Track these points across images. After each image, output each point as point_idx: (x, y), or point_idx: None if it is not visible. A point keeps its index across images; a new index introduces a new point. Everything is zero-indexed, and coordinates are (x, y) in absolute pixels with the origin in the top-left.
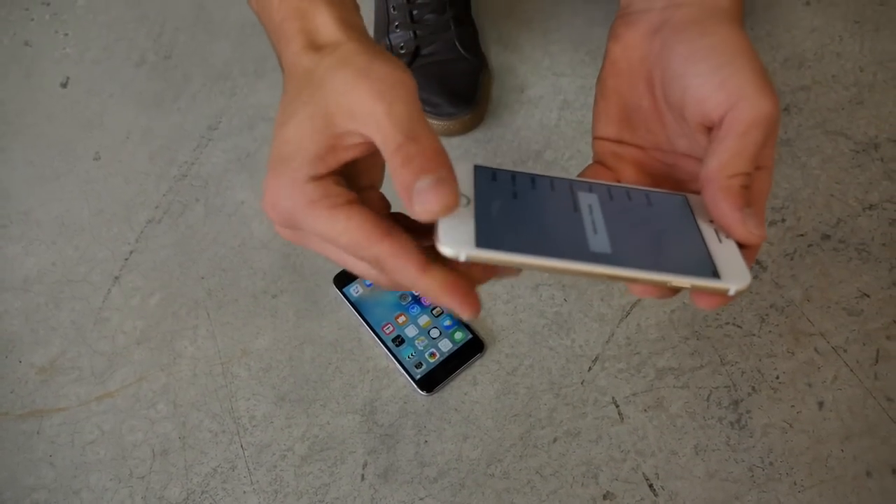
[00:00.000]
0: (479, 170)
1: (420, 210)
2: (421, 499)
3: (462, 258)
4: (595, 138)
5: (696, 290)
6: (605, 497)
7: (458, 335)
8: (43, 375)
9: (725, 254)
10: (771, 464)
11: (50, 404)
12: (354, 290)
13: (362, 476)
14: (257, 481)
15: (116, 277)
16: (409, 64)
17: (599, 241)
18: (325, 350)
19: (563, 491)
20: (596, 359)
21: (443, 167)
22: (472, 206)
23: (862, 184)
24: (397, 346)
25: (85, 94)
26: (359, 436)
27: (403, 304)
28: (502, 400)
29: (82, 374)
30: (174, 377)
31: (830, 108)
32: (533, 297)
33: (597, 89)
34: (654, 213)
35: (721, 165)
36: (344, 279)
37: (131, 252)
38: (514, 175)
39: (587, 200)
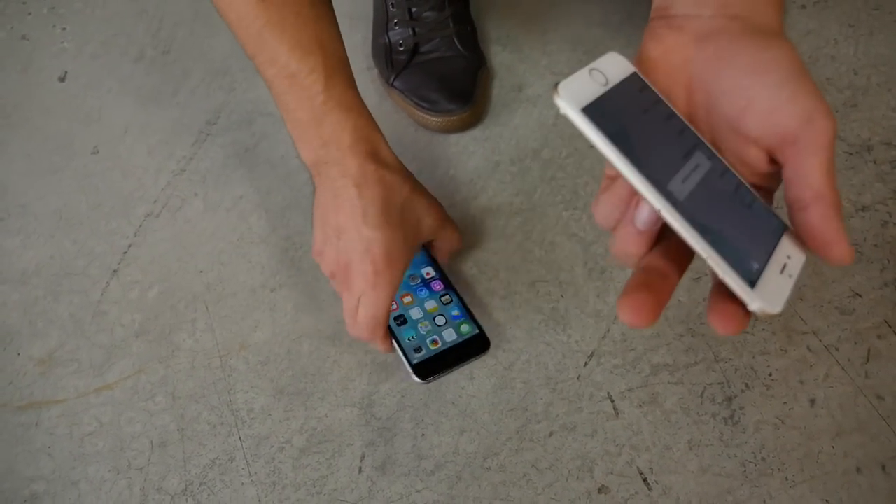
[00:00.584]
0: (634, 76)
1: None
2: (418, 491)
3: (561, 111)
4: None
5: (718, 294)
6: (599, 491)
7: (465, 328)
8: (41, 367)
9: (776, 281)
10: (763, 459)
11: (48, 396)
12: None
13: (360, 468)
14: (255, 473)
15: (115, 271)
16: (408, 61)
17: (680, 187)
18: (323, 344)
19: (558, 484)
20: (592, 354)
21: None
22: (607, 87)
23: (855, 185)
24: (399, 325)
25: (83, 88)
26: (356, 428)
27: (412, 284)
28: (499, 394)
29: (81, 366)
30: (172, 370)
31: None
32: (530, 293)
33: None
34: (746, 211)
35: (826, 180)
36: None
37: (130, 246)
38: (657, 100)
39: (699, 160)
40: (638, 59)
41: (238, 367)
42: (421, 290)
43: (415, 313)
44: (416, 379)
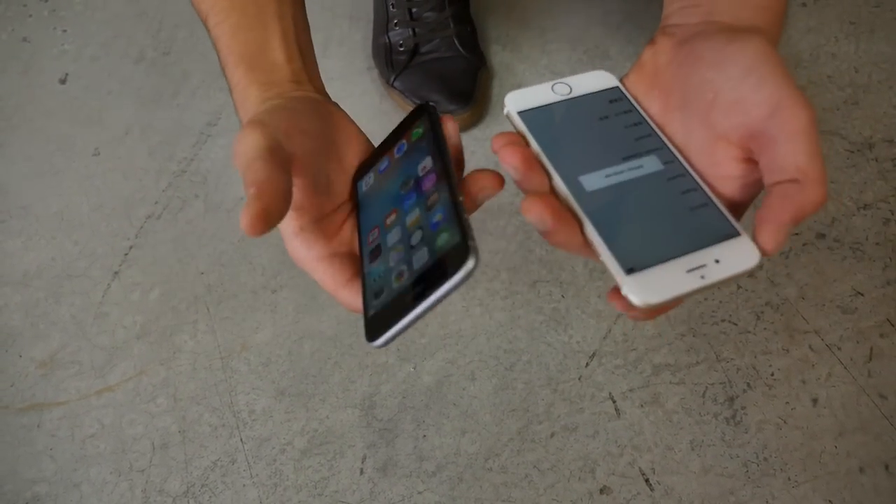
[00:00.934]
0: (614, 89)
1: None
2: (419, 492)
3: (505, 111)
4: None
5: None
6: (601, 491)
7: (443, 238)
8: (43, 369)
9: (670, 277)
10: (765, 459)
11: (50, 398)
12: (365, 182)
13: (361, 470)
14: (257, 475)
15: (116, 272)
16: (408, 61)
17: (595, 180)
18: (324, 345)
19: (560, 485)
20: (593, 355)
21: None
22: (562, 98)
23: (857, 183)
24: (371, 261)
25: (84, 90)
26: (358, 430)
27: (402, 192)
28: (500, 395)
29: (82, 368)
30: (174, 371)
31: (825, 109)
32: (531, 294)
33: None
34: (679, 213)
35: (804, 166)
36: (360, 169)
37: (131, 247)
38: (627, 110)
39: (647, 163)
40: (635, 64)
41: (239, 368)
42: (409, 198)
43: (392, 236)
44: (373, 343)
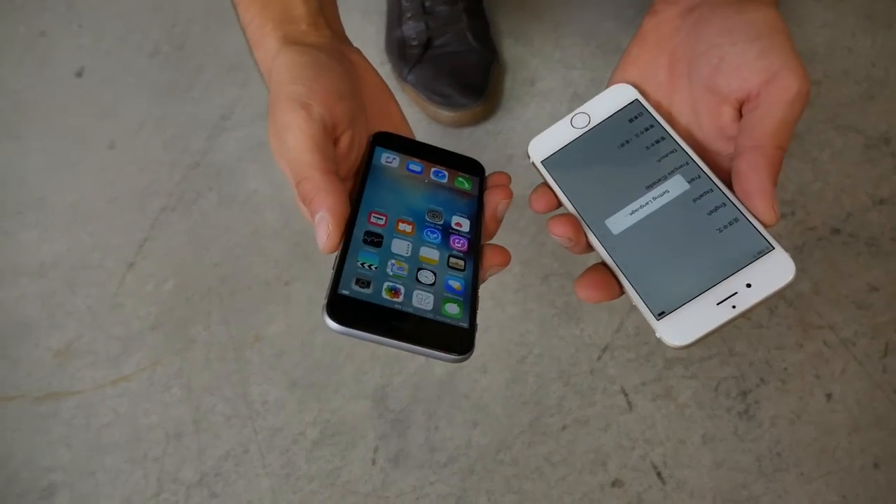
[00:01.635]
0: (634, 104)
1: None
2: (431, 483)
3: (530, 161)
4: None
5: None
6: (613, 484)
7: (453, 309)
8: (59, 359)
9: (701, 313)
10: (779, 454)
11: (66, 387)
12: (387, 158)
13: (373, 460)
14: (270, 465)
15: (131, 264)
16: (421, 55)
17: (622, 221)
18: (336, 336)
19: (571, 478)
20: (605, 348)
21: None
22: (583, 130)
23: (872, 178)
24: (365, 242)
25: (99, 83)
26: (370, 421)
27: (428, 219)
28: (512, 388)
29: (98, 357)
30: (188, 362)
31: (842, 103)
32: (543, 287)
33: (620, 58)
34: (708, 237)
35: (770, 132)
36: (386, 140)
37: (145, 239)
38: (648, 126)
39: (673, 186)
40: (636, 36)
41: (252, 359)
42: (431, 232)
43: (398, 247)
44: (327, 318)
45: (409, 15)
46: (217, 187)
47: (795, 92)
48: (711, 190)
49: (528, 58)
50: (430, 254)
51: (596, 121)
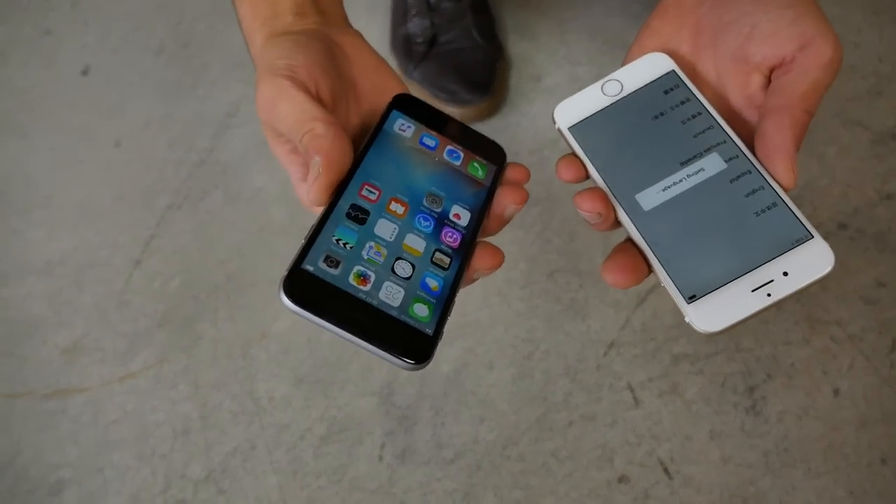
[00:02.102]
0: (670, 75)
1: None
2: (438, 479)
3: (556, 126)
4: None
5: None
6: (620, 480)
7: (421, 310)
8: (67, 356)
9: (734, 299)
10: (786, 450)
11: (74, 384)
12: (402, 125)
13: (380, 457)
14: (277, 461)
15: (138, 261)
16: (426, 52)
17: (653, 197)
18: None
19: (578, 474)
20: (611, 344)
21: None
22: (615, 98)
23: (880, 174)
24: (347, 216)
25: (105, 82)
26: (377, 417)
27: (425, 204)
28: (518, 384)
29: (105, 355)
30: (195, 359)
31: (849, 98)
32: (549, 283)
33: (638, 33)
34: (745, 220)
35: (801, 95)
36: (407, 104)
37: (152, 237)
38: (684, 99)
39: (709, 164)
40: (656, 9)
41: (259, 356)
42: (424, 218)
43: (383, 227)
44: (282, 294)
45: (413, 12)
46: (223, 185)
47: (829, 58)
48: (750, 171)
49: (534, 54)
50: (416, 243)
51: (629, 89)
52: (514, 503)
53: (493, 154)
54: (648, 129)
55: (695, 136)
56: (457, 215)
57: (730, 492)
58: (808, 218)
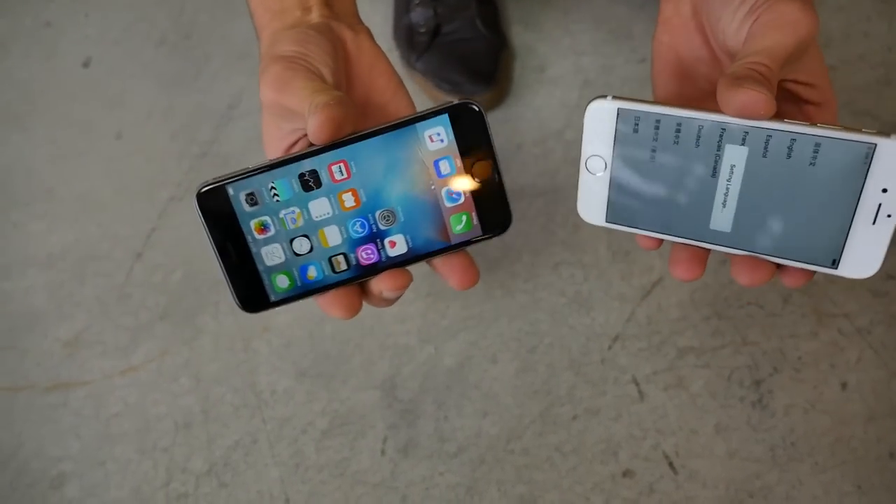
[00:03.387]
0: (621, 118)
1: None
2: (440, 473)
3: (595, 225)
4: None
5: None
6: (624, 474)
7: (282, 282)
8: (68, 349)
9: (866, 238)
10: (793, 444)
11: (75, 377)
12: (435, 134)
13: (382, 451)
14: (278, 454)
15: (139, 254)
16: (430, 42)
17: (723, 217)
18: (345, 327)
19: (582, 468)
20: (616, 337)
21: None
22: (608, 174)
23: None
24: (297, 176)
25: (106, 73)
26: (379, 411)
27: (374, 216)
28: (522, 377)
29: (106, 348)
30: (196, 352)
31: (857, 88)
32: (552, 276)
33: (653, 51)
34: (812, 174)
35: (758, 51)
36: (464, 113)
37: (153, 229)
38: (658, 122)
39: (733, 159)
40: (657, 23)
41: (261, 349)
42: (361, 223)
43: (319, 206)
44: (195, 195)
45: (417, 2)
46: None
47: (780, 19)
48: (771, 136)
49: (538, 44)
50: (332, 237)
51: (608, 155)
52: (517, 497)
53: (492, 220)
54: (657, 172)
55: (697, 146)
56: (392, 243)
57: (736, 486)
58: None
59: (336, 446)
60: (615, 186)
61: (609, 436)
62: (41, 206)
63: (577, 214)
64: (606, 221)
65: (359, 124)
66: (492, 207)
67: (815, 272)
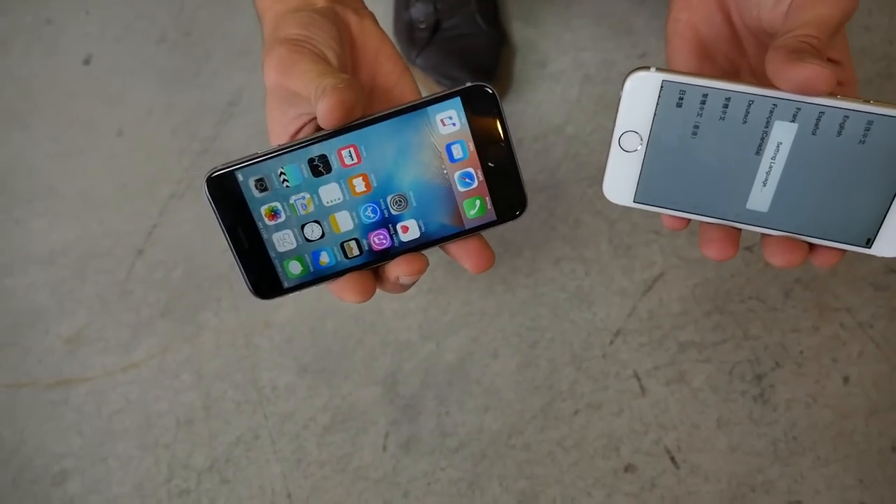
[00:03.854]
0: (665, 91)
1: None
2: (442, 469)
3: (619, 205)
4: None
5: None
6: (626, 469)
7: (294, 267)
8: (69, 346)
9: None
10: (794, 438)
11: (77, 374)
12: (447, 117)
13: (384, 446)
14: (280, 450)
15: (140, 251)
16: (430, 38)
17: (762, 197)
18: (346, 322)
19: (584, 463)
20: (617, 332)
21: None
22: (643, 150)
23: None
24: (307, 161)
25: (107, 71)
26: (380, 407)
27: (384, 202)
28: (523, 372)
29: (108, 344)
30: (198, 348)
31: (859, 82)
32: (554, 271)
33: (668, 30)
34: (860, 152)
35: (804, 23)
36: (477, 96)
37: (154, 226)
38: (706, 96)
39: (780, 136)
40: (671, 2)
41: (262, 345)
42: (373, 209)
43: (329, 191)
44: (205, 182)
45: None
46: None
47: None
48: (823, 113)
49: (539, 40)
50: (344, 223)
51: (646, 131)
52: (519, 492)
53: (507, 204)
54: (698, 148)
55: (744, 122)
56: (405, 228)
57: (738, 480)
58: None
59: (338, 442)
60: (649, 164)
61: (610, 431)
62: (42, 203)
63: (579, 209)
64: (634, 201)
65: (367, 108)
66: (506, 191)
67: (845, 251)
